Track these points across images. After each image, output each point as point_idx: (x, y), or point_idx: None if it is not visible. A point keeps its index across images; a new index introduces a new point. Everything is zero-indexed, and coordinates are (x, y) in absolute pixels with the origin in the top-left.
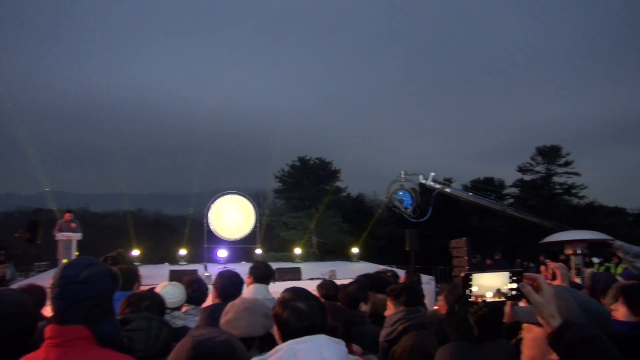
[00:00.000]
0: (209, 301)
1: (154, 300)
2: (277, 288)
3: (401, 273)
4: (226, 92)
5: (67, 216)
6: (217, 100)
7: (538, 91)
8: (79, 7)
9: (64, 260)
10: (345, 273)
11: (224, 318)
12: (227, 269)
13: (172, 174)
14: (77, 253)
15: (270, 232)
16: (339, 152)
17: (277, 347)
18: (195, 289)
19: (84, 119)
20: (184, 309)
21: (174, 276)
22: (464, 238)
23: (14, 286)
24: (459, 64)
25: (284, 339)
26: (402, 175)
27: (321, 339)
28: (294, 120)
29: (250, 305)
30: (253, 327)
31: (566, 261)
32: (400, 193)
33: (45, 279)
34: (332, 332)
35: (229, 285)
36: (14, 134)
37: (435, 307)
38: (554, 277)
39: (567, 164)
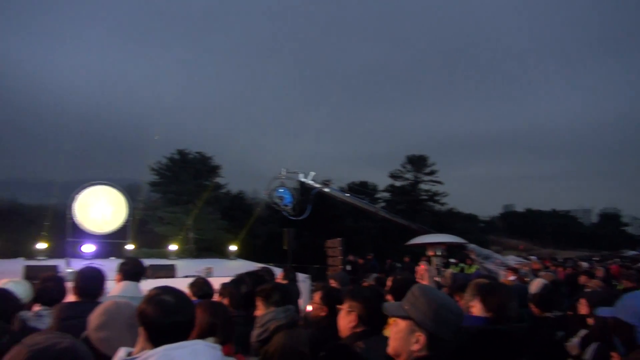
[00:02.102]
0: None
1: None
2: (149, 286)
3: (278, 271)
4: (102, 74)
5: None
6: (91, 82)
7: (410, 102)
8: None
9: None
10: (222, 271)
11: (100, 333)
12: (89, 265)
13: (31, 158)
14: None
15: (144, 227)
16: (220, 148)
17: (150, 352)
18: (42, 287)
19: None
20: (36, 308)
21: (30, 272)
22: (339, 238)
23: None
24: (343, 71)
25: (151, 338)
26: (283, 173)
27: (197, 345)
28: (175, 112)
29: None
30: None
31: (428, 262)
32: (281, 190)
33: None
34: (212, 331)
35: (88, 282)
36: None
37: (309, 308)
38: (422, 278)
39: (432, 172)
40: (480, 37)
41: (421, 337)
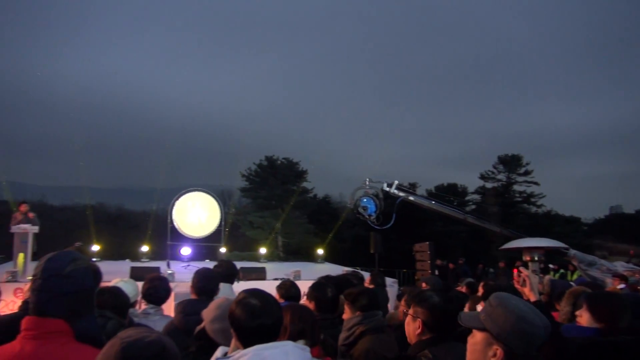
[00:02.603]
0: (172, 300)
1: (112, 296)
2: (241, 287)
3: (366, 275)
4: (195, 88)
5: (23, 208)
6: (185, 96)
7: (502, 100)
8: None
9: (21, 255)
10: (310, 274)
11: (214, 325)
12: (203, 267)
13: (135, 168)
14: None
15: (236, 231)
16: (306, 154)
17: (243, 352)
18: (151, 287)
19: (42, 108)
20: (142, 307)
21: (136, 273)
22: (427, 242)
23: None
24: (427, 72)
25: (240, 338)
26: (367, 182)
27: (287, 346)
28: (262, 120)
29: None
30: None
31: (524, 267)
32: (365, 200)
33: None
34: (300, 335)
35: (205, 282)
36: None
37: (393, 311)
38: (524, 284)
39: (526, 173)
40: (569, 32)
41: (499, 351)
